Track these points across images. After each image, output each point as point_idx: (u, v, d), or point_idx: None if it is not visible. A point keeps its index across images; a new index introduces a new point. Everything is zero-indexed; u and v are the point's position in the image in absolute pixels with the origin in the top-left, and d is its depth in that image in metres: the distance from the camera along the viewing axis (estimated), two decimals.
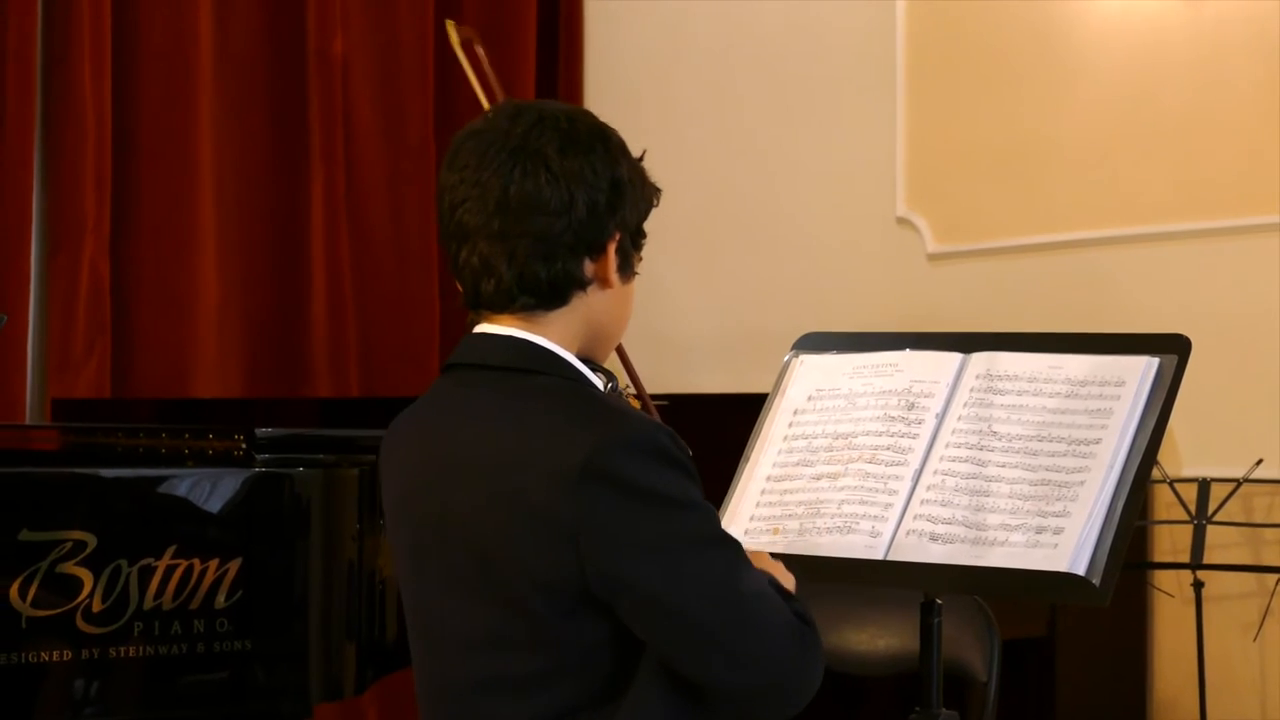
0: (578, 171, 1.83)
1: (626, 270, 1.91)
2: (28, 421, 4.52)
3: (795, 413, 2.24)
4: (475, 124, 1.89)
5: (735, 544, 1.80)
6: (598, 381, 1.89)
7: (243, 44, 4.96)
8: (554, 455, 1.75)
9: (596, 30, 5.56)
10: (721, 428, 2.47)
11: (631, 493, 1.73)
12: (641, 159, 1.93)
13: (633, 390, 2.02)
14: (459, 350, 1.91)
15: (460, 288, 1.90)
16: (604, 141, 1.88)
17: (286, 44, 5.02)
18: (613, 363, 1.99)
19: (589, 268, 1.86)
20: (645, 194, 1.92)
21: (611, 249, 1.87)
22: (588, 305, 1.88)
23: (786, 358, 2.31)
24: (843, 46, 4.96)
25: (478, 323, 1.90)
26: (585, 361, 1.89)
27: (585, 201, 1.83)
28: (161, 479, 2.91)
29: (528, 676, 1.79)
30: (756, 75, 5.17)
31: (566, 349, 1.87)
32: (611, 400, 1.86)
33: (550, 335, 1.86)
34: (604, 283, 1.88)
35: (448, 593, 1.85)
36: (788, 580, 1.92)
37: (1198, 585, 3.95)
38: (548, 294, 1.85)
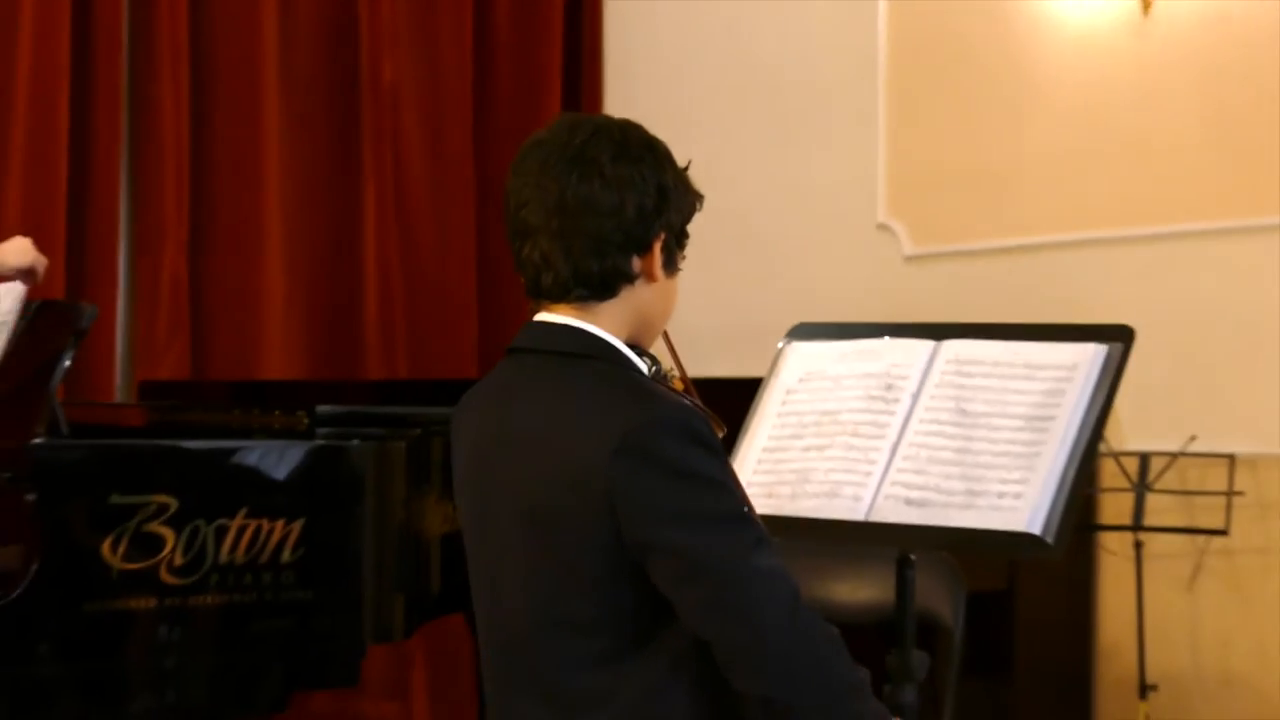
0: (628, 178, 1.82)
1: (671, 266, 1.90)
2: (118, 400, 4.54)
3: (788, 393, 2.23)
4: (539, 135, 1.87)
5: (755, 523, 1.77)
6: (643, 366, 1.87)
7: (305, 73, 4.97)
8: (596, 431, 1.74)
9: (615, 43, 5.56)
10: (723, 407, 2.47)
11: (663, 468, 1.72)
12: (687, 169, 1.92)
13: (677, 374, 2.00)
14: (520, 336, 1.90)
15: (523, 279, 1.89)
16: (652, 152, 1.86)
17: (342, 72, 5.03)
18: (659, 349, 1.98)
19: (636, 263, 1.85)
20: (689, 199, 1.90)
21: (657, 247, 1.85)
22: (635, 297, 1.86)
23: (780, 345, 2.32)
24: (832, 74, 4.96)
25: (538, 311, 1.89)
26: (632, 347, 1.88)
27: (634, 204, 1.82)
28: (235, 450, 2.94)
29: (586, 623, 1.77)
30: (757, 99, 5.17)
31: (616, 336, 1.86)
32: (653, 384, 1.84)
33: (601, 323, 1.85)
34: (650, 277, 1.86)
35: (508, 552, 1.83)
36: None
37: (1138, 545, 3.95)
38: (599, 286, 1.84)
